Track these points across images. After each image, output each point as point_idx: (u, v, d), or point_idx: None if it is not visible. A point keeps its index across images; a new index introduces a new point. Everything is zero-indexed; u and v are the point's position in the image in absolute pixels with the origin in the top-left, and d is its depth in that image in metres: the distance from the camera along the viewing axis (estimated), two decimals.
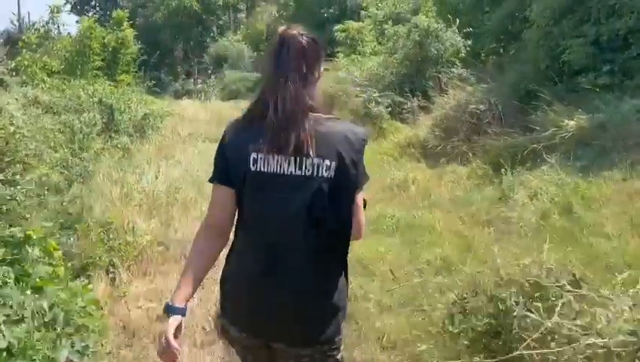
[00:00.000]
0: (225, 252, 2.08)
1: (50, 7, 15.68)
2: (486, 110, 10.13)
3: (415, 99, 13.02)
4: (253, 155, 1.87)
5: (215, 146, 2.03)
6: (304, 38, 1.92)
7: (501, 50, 14.58)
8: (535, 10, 11.08)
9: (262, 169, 1.88)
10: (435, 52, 13.33)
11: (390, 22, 20.07)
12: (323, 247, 1.91)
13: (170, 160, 10.04)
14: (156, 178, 7.90)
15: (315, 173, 1.86)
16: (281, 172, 1.87)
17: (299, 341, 1.97)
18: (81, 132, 9.83)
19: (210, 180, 1.99)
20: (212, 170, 1.99)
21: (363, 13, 22.39)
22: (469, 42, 13.51)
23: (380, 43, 19.42)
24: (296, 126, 1.84)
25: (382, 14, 21.24)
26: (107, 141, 10.79)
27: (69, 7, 40.47)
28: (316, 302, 1.95)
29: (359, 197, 1.97)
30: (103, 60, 16.22)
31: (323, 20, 24.06)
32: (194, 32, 30.19)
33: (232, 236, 2.05)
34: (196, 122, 14.86)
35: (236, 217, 2.01)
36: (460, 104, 10.55)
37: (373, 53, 18.62)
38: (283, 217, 1.89)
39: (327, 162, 1.86)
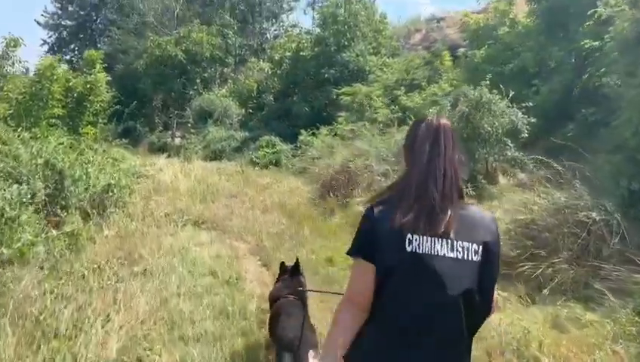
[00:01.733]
0: None
1: (5, 38, 12.02)
2: (599, 221, 6.83)
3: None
4: (409, 236, 1.90)
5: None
6: (444, 120, 2.08)
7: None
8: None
9: (417, 250, 1.89)
10: (489, 128, 10.12)
11: (402, 88, 17.13)
12: (466, 330, 1.94)
13: (135, 266, 6.42)
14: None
15: (465, 256, 1.90)
16: (435, 253, 1.89)
17: None
18: (2, 215, 6.17)
19: (353, 253, 1.99)
20: (353, 242, 2.01)
21: (371, 77, 19.41)
22: (532, 119, 10.35)
23: (392, 111, 16.34)
24: (451, 208, 1.91)
25: (393, 79, 18.28)
26: (47, 224, 7.09)
27: (46, 47, 37.07)
28: None
29: (494, 288, 2.01)
30: (64, 107, 12.55)
31: (322, 81, 21.02)
32: (176, 83, 26.76)
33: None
34: (176, 193, 11.23)
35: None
36: (559, 207, 7.22)
37: (388, 121, 15.46)
38: (436, 300, 1.88)
39: (475, 246, 1.92)
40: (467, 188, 9.82)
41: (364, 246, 1.97)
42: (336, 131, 17.25)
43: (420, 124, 2.10)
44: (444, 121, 2.07)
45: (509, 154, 10.36)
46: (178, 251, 7.35)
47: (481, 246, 1.94)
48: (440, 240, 1.91)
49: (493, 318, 6.08)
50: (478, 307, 1.95)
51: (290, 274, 4.48)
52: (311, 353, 3.29)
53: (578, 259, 6.90)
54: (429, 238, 1.91)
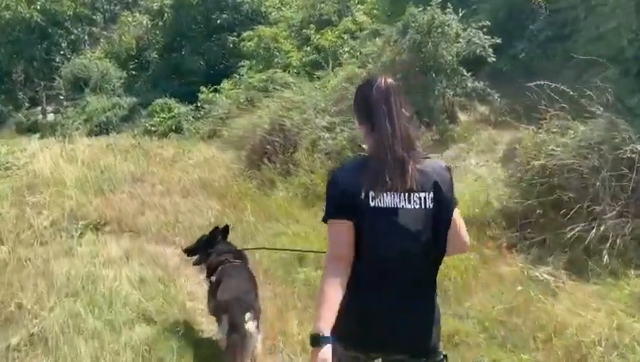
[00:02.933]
0: None
1: None
2: None
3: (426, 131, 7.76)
4: (371, 193, 2.02)
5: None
6: (389, 79, 2.16)
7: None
8: None
9: (379, 205, 2.03)
10: (448, 57, 8.15)
11: (312, 26, 14.74)
12: (429, 271, 2.14)
13: (11, 333, 3.85)
14: None
15: (422, 205, 2.05)
16: (395, 206, 2.03)
17: (421, 351, 2.13)
18: None
19: (333, 215, 2.06)
20: (325, 209, 2.08)
21: (272, 17, 16.77)
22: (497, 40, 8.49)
23: (306, 53, 13.98)
24: (410, 164, 2.04)
25: (298, 17, 15.79)
26: None
27: None
28: (429, 317, 2.14)
29: (457, 215, 2.14)
30: None
31: (214, 28, 18.11)
32: (37, 50, 22.35)
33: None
34: (61, 187, 8.30)
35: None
36: (590, 144, 5.43)
37: (302, 65, 13.11)
38: (401, 248, 2.03)
39: (430, 194, 2.06)
40: (430, 130, 7.91)
41: (341, 207, 2.04)
42: (242, 84, 14.64)
43: (368, 87, 2.15)
44: (390, 80, 2.14)
45: (469, 85, 8.48)
46: (81, 286, 4.74)
47: (431, 193, 2.06)
48: (399, 194, 2.03)
49: (551, 309, 4.34)
50: (440, 248, 2.11)
51: (223, 237, 4.29)
52: (248, 315, 3.32)
53: (628, 209, 5.19)
54: (390, 194, 2.03)
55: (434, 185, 2.07)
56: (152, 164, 10.42)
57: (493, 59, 8.44)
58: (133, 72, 20.80)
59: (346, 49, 13.37)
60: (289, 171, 7.99)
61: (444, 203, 2.09)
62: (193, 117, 15.67)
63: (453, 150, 7.96)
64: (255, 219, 6.77)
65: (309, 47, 14.19)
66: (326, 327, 1.92)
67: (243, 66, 15.76)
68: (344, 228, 2.03)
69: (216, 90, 15.61)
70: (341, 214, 2.04)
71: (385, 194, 2.03)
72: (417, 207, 2.05)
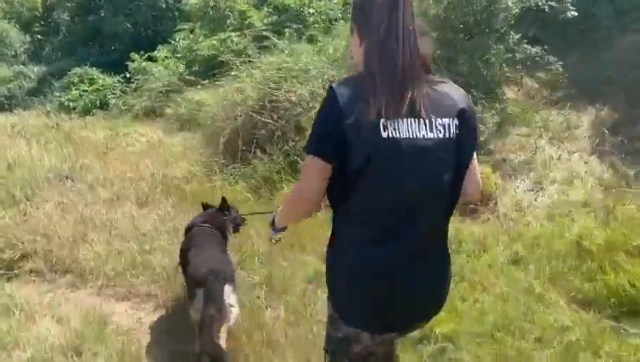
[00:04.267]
0: None
1: None
2: None
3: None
4: (382, 121, 1.57)
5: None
6: None
7: None
8: None
9: (394, 135, 1.58)
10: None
11: None
12: (447, 219, 1.78)
13: None
14: None
15: (445, 134, 1.64)
16: (414, 136, 1.60)
17: (433, 313, 1.84)
18: None
19: (312, 151, 1.66)
20: (310, 137, 1.68)
21: None
22: None
23: (266, 14, 11.36)
24: (420, 84, 1.62)
25: None
26: None
27: None
28: (446, 277, 1.83)
29: (475, 159, 1.78)
30: None
31: None
32: None
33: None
34: None
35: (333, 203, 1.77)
36: None
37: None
38: (422, 189, 1.64)
39: (456, 121, 1.65)
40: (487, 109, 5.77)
41: (326, 143, 1.62)
42: (185, 51, 11.82)
43: None
44: None
45: (523, 50, 6.38)
46: None
47: (456, 120, 1.65)
48: (417, 120, 1.60)
49: None
50: (457, 187, 1.72)
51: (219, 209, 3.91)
52: (227, 288, 3.07)
53: None
54: (405, 120, 1.59)
55: (459, 112, 1.66)
56: (81, 154, 7.51)
57: (574, 14, 6.30)
58: (39, 36, 17.03)
59: (311, 11, 10.96)
60: (296, 167, 5.53)
61: (470, 134, 1.70)
62: (122, 90, 12.60)
63: (513, 137, 5.85)
64: (263, 244, 4.32)
65: (269, 7, 11.55)
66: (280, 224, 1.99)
67: (182, 30, 12.83)
68: (325, 170, 1.63)
69: (150, 59, 12.61)
70: (328, 153, 1.61)
71: (401, 121, 1.58)
72: (441, 136, 1.63)
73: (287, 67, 6.42)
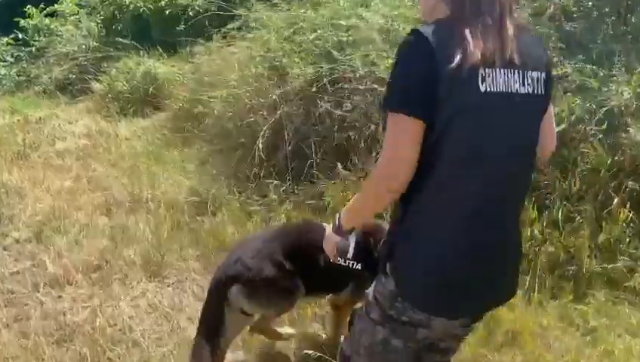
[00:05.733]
0: None
1: None
2: None
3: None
4: (481, 71, 1.20)
5: None
6: None
7: None
8: None
9: (491, 89, 1.21)
10: None
11: None
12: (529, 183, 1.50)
13: None
14: None
15: (535, 90, 1.29)
16: (510, 91, 1.24)
17: (506, 297, 1.49)
18: None
19: (394, 106, 1.22)
20: (394, 90, 1.24)
21: None
22: None
23: None
24: (512, 22, 1.25)
25: None
26: None
27: None
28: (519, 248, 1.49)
29: (551, 107, 1.43)
30: None
31: None
32: None
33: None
34: None
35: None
36: None
37: None
38: (513, 156, 1.28)
39: (542, 75, 1.31)
40: None
41: (418, 96, 1.19)
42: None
43: None
44: None
45: None
46: None
47: (544, 74, 1.31)
48: (512, 71, 1.24)
49: None
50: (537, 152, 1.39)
51: None
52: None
53: None
54: (502, 71, 1.23)
55: (547, 64, 1.34)
56: None
57: None
58: None
59: None
60: None
61: (550, 90, 1.36)
62: (15, 56, 9.27)
63: None
64: None
65: None
66: (349, 225, 1.42)
67: None
68: (420, 133, 1.19)
69: (50, 14, 9.38)
70: (424, 108, 1.19)
71: (498, 72, 1.21)
72: (532, 91, 1.28)
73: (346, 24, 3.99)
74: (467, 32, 1.19)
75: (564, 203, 2.93)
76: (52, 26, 9.01)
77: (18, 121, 6.35)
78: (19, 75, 8.84)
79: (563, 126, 3.00)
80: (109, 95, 6.85)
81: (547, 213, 2.92)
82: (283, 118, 3.77)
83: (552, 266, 2.75)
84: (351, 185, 3.39)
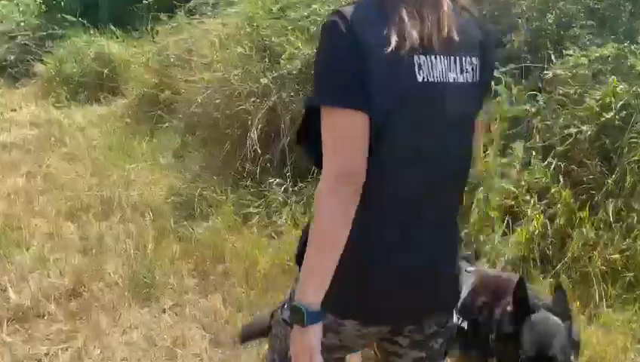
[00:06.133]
0: None
1: None
2: None
3: None
4: (416, 59, 1.01)
5: None
6: None
7: None
8: None
9: (429, 78, 1.03)
10: None
11: None
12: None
13: None
14: None
15: (472, 77, 1.09)
16: (447, 80, 1.05)
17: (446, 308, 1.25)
18: None
19: (334, 102, 0.99)
20: (321, 84, 1.04)
21: None
22: None
23: None
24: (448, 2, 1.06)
25: None
26: None
27: None
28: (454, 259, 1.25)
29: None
30: None
31: None
32: None
33: None
34: None
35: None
36: None
37: None
38: (447, 149, 1.10)
39: (478, 61, 1.10)
40: None
41: (349, 84, 0.99)
42: None
43: None
44: None
45: None
46: None
47: (478, 58, 1.10)
48: (448, 58, 1.05)
49: None
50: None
51: None
52: None
53: None
54: (438, 58, 1.04)
55: (480, 45, 1.11)
56: None
57: None
58: None
59: None
60: None
61: (489, 77, 1.19)
62: None
63: None
64: None
65: None
66: (318, 297, 1.01)
67: None
68: (359, 122, 0.98)
69: None
70: (356, 97, 0.98)
71: (434, 59, 1.03)
72: (470, 80, 1.09)
73: None
74: (402, 10, 1.00)
75: (613, 200, 2.61)
76: None
77: None
78: None
79: (610, 115, 2.68)
80: (57, 78, 6.08)
81: (595, 212, 2.60)
82: (278, 105, 3.27)
83: (611, 274, 2.43)
84: None
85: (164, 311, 2.39)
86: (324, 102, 1.00)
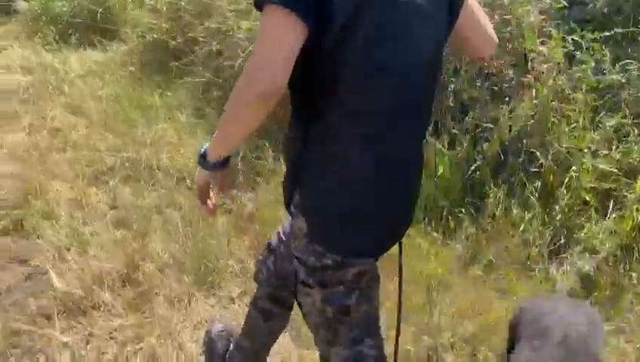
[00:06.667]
0: None
1: None
2: None
3: None
4: None
5: None
6: None
7: None
8: None
9: None
10: None
11: None
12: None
13: None
14: None
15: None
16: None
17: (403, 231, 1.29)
18: None
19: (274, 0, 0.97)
20: None
21: None
22: None
23: None
24: None
25: None
26: None
27: None
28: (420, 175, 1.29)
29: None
30: None
31: None
32: None
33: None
34: None
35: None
36: None
37: None
38: (421, 70, 1.12)
39: None
40: None
41: None
42: None
43: None
44: None
45: None
46: None
47: None
48: None
49: None
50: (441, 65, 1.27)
51: None
52: None
53: None
54: None
55: None
56: None
57: None
58: None
59: None
60: None
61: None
62: None
63: None
64: None
65: None
66: (218, 155, 1.13)
67: None
68: (298, 36, 0.97)
69: None
70: (306, 7, 0.96)
71: None
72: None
73: None
74: None
75: None
76: None
77: None
78: None
79: None
80: (43, 17, 5.41)
81: None
82: None
83: None
84: None
85: (232, 301, 2.07)
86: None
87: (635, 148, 2.45)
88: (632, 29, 2.75)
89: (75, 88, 4.12)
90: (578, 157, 2.48)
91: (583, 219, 2.38)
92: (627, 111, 2.60)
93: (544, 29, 2.76)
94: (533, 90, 2.66)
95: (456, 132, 2.75)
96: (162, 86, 4.04)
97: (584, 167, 2.45)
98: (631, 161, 2.46)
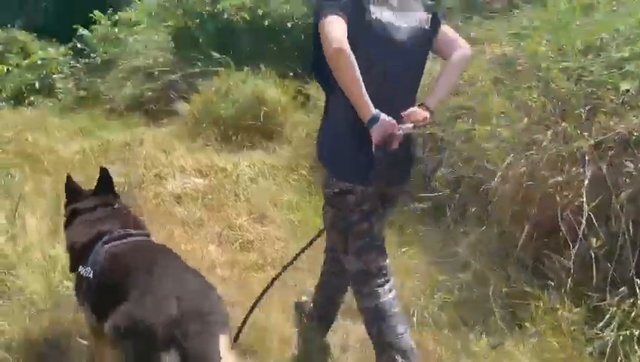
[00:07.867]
0: None
1: None
2: None
3: None
4: (371, 6, 1.75)
5: None
6: None
7: None
8: None
9: (379, 18, 1.77)
10: None
11: None
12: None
13: None
14: None
15: (420, 25, 1.83)
16: (393, 23, 1.78)
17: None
18: None
19: (333, 9, 1.69)
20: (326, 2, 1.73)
21: None
22: None
23: None
24: None
25: None
26: None
27: None
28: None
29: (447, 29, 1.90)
30: None
31: None
32: None
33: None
34: None
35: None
36: None
37: None
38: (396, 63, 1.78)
39: (429, 16, 1.85)
40: None
41: (344, 4, 1.71)
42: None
43: None
44: None
45: None
46: None
47: (429, 16, 1.84)
48: (394, 13, 1.78)
49: None
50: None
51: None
52: (223, 338, 1.51)
53: None
54: (387, 11, 1.77)
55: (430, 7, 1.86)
56: None
57: None
58: None
59: None
60: None
61: (437, 24, 1.87)
62: (71, 68, 7.91)
63: None
64: None
65: None
66: (369, 108, 1.68)
67: None
68: (344, 20, 1.69)
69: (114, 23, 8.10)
70: (347, 11, 1.70)
71: (383, 10, 1.77)
72: (416, 25, 1.81)
73: None
74: None
75: None
76: (120, 36, 7.65)
77: (100, 145, 4.97)
78: (79, 90, 7.45)
79: None
80: (207, 120, 5.44)
81: None
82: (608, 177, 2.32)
83: None
84: None
85: None
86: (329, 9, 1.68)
87: None
88: None
89: (249, 192, 3.91)
90: None
91: None
92: None
93: None
94: None
95: None
96: None
97: None
98: None
